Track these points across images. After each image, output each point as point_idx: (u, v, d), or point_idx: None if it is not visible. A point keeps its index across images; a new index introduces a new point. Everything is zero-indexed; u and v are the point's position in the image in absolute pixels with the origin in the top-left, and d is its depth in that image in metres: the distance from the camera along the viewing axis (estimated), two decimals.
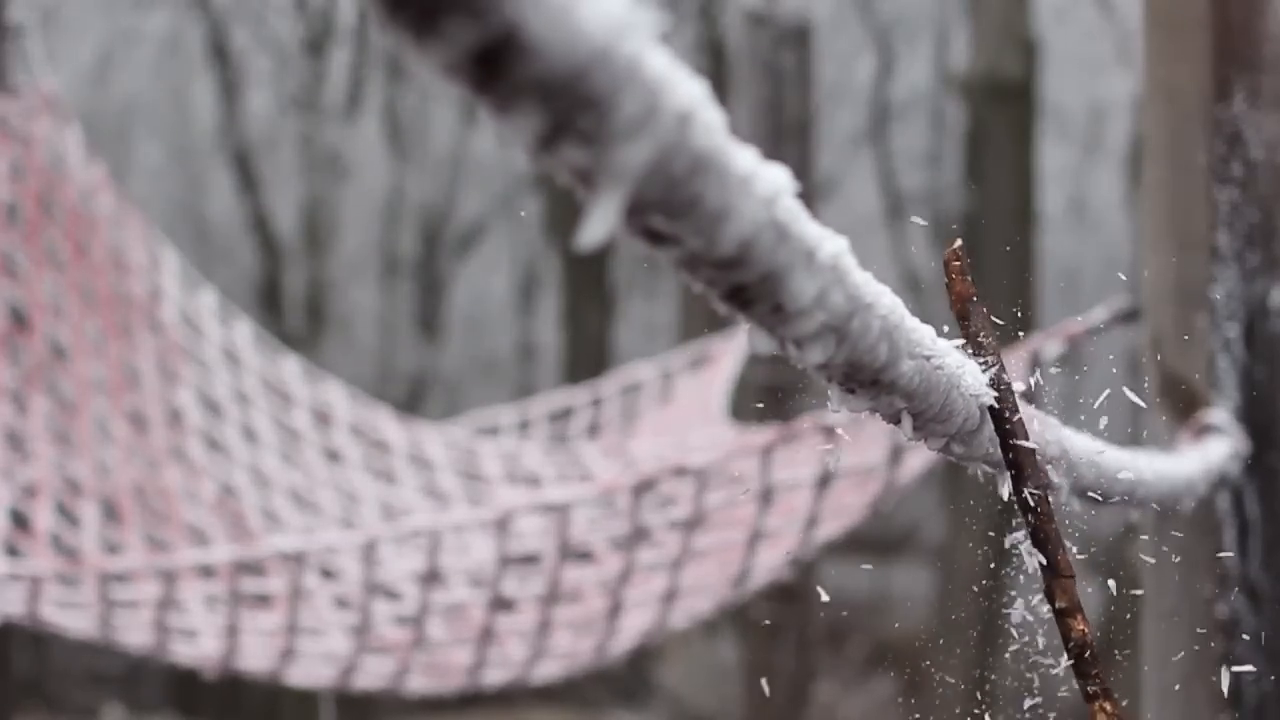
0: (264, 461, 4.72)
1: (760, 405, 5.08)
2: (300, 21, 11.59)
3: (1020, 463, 1.16)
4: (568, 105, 0.63)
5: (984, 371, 1.13)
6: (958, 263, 1.15)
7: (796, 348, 0.84)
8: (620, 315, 11.47)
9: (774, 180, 0.74)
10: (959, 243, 1.15)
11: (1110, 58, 11.28)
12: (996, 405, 1.14)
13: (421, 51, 0.62)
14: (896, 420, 1.04)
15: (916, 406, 1.03)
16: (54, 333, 4.69)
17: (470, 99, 0.67)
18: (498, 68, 0.62)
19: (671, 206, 0.69)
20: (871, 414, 1.01)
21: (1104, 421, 1.55)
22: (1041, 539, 1.18)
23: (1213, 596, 2.84)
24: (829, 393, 0.96)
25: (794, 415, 4.12)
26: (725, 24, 10.65)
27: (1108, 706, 1.19)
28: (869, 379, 0.95)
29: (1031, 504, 1.17)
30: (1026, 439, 1.17)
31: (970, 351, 1.13)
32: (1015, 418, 1.15)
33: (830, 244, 0.81)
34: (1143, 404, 1.43)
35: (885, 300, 0.92)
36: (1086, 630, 1.19)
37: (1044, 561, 1.18)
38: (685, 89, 0.67)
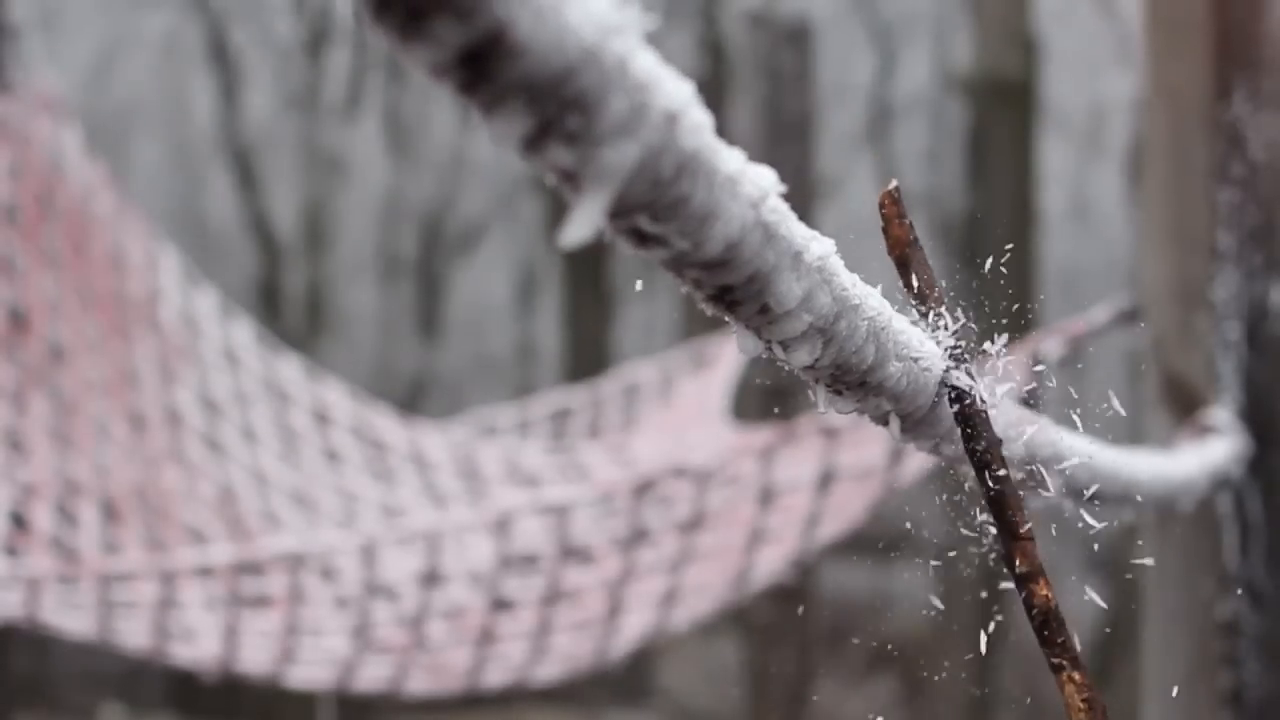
0: (263, 461, 4.71)
1: (762, 405, 5.08)
2: (300, 21, 11.60)
3: (970, 416, 1.06)
4: (555, 105, 0.63)
5: (930, 324, 1.06)
6: (894, 205, 1.06)
7: (783, 349, 0.83)
8: (620, 315, 11.47)
9: (761, 181, 0.74)
10: (895, 184, 1.07)
11: (1110, 57, 11.28)
12: (949, 357, 1.06)
13: (409, 51, 0.62)
14: (884, 422, 1.02)
15: (904, 408, 1.02)
16: (53, 333, 4.68)
17: (458, 99, 0.66)
18: (485, 68, 0.62)
19: (658, 207, 0.68)
20: (860, 415, 1.00)
21: (1104, 422, 1.53)
22: (997, 499, 1.07)
23: (1214, 597, 2.83)
24: (815, 394, 0.95)
25: (796, 415, 4.11)
26: (725, 24, 10.65)
27: (1076, 676, 1.10)
28: (856, 381, 0.93)
29: (985, 460, 1.07)
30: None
31: (913, 302, 1.06)
32: (963, 370, 1.06)
33: (818, 245, 0.81)
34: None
35: (873, 302, 0.91)
36: (1050, 596, 1.09)
37: (1001, 525, 1.08)
38: (672, 89, 0.66)
